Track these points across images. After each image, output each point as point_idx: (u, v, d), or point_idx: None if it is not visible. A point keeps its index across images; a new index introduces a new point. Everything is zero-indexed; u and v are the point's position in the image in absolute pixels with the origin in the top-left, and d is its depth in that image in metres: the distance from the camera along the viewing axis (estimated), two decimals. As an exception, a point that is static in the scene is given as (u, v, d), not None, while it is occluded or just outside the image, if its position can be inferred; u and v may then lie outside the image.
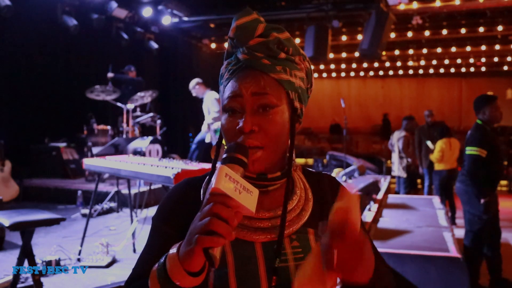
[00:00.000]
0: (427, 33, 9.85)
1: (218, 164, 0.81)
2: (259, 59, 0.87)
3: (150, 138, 6.44)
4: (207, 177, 0.96)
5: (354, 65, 15.06)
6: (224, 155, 0.80)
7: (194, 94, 7.00)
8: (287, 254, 0.88)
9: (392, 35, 9.26)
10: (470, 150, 3.80)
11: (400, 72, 16.37)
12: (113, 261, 3.77)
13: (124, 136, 6.81)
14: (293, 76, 0.90)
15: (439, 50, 11.92)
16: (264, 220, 0.90)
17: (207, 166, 3.02)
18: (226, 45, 0.98)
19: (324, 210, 0.97)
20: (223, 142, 0.95)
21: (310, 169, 1.06)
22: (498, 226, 3.90)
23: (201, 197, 0.94)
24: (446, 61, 14.12)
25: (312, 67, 1.00)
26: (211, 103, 6.74)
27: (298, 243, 0.90)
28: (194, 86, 6.90)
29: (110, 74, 7.22)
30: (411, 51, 12.12)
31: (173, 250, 0.74)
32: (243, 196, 0.71)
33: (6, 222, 2.75)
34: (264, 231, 0.89)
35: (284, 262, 0.87)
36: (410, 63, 14.37)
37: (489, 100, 3.81)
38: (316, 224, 0.93)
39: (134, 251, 4.04)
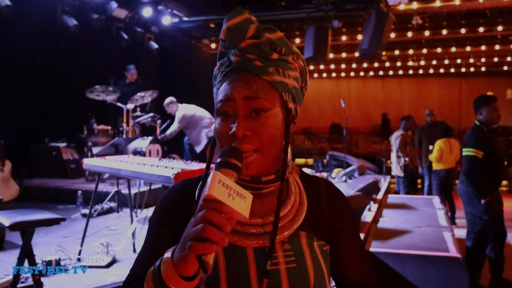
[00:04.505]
0: (427, 33, 9.85)
1: (212, 166, 0.81)
2: (251, 61, 0.86)
3: (150, 138, 6.45)
4: (202, 179, 0.95)
5: (354, 65, 15.05)
6: (218, 160, 0.79)
7: (168, 112, 7.21)
8: (278, 258, 0.88)
9: (392, 35, 9.26)
10: (466, 151, 3.80)
11: (400, 72, 16.36)
12: (113, 261, 3.77)
13: (124, 136, 6.81)
14: (286, 77, 0.89)
15: (439, 50, 11.92)
16: (257, 226, 0.90)
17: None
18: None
19: (317, 213, 0.96)
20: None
21: (308, 173, 1.05)
22: (502, 227, 3.87)
23: (196, 199, 0.94)
24: (446, 61, 14.12)
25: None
26: (177, 116, 6.97)
27: (290, 246, 0.90)
28: (168, 104, 7.11)
29: (110, 89, 7.25)
30: (411, 51, 12.11)
31: (167, 255, 0.74)
32: (237, 202, 0.70)
33: (6, 222, 2.75)
34: (257, 236, 0.89)
35: (275, 265, 0.87)
36: (410, 63, 14.36)
37: (486, 101, 3.80)
38: (309, 227, 0.93)
39: (134, 251, 4.04)
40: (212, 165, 0.84)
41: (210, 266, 0.68)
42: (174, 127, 6.94)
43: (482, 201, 3.71)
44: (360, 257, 1.01)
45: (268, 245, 0.86)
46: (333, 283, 1.02)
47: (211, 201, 0.69)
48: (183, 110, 6.96)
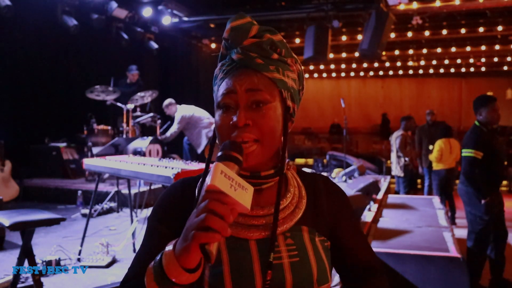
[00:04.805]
0: (427, 33, 9.85)
1: (211, 165, 0.82)
2: (252, 59, 0.89)
3: (150, 138, 6.44)
4: (202, 176, 0.97)
5: (354, 65, 15.04)
6: (219, 153, 0.80)
7: (167, 113, 7.17)
8: (281, 251, 0.89)
9: (392, 35, 9.25)
10: (465, 152, 3.80)
11: (400, 72, 16.35)
12: (113, 261, 3.77)
13: (124, 136, 6.81)
14: (285, 76, 0.92)
15: (439, 50, 11.91)
16: (258, 217, 0.92)
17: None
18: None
19: (317, 208, 0.98)
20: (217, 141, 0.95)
21: (304, 170, 1.08)
22: (503, 227, 3.87)
23: (196, 197, 0.94)
24: (446, 61, 14.11)
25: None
26: (176, 117, 6.93)
27: (292, 241, 0.91)
28: (167, 106, 7.07)
29: (110, 89, 7.26)
30: (411, 51, 12.11)
31: (169, 247, 0.74)
32: (239, 193, 0.71)
33: (6, 222, 2.75)
34: (258, 228, 0.91)
35: (278, 259, 0.88)
36: (410, 63, 14.36)
37: (486, 101, 3.79)
38: (310, 223, 0.95)
39: (134, 251, 4.04)
40: (211, 165, 0.85)
41: (213, 255, 0.68)
42: (173, 128, 6.93)
43: (483, 201, 3.71)
44: (363, 246, 1.04)
45: (270, 237, 0.88)
46: (333, 283, 1.03)
47: (213, 192, 0.70)
48: (182, 111, 6.95)
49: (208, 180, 0.70)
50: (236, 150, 0.81)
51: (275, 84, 0.90)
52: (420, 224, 3.77)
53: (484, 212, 3.72)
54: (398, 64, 14.71)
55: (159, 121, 7.20)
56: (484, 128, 3.77)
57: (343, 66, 15.18)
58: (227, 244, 0.88)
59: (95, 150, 6.53)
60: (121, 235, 4.53)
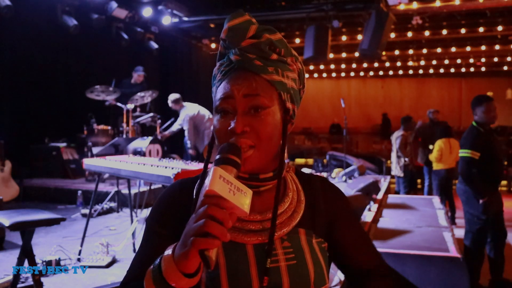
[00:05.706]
0: (427, 33, 9.86)
1: (211, 165, 0.81)
2: (251, 60, 0.87)
3: (150, 138, 6.44)
4: (200, 178, 0.96)
5: (354, 65, 15.04)
6: (217, 156, 0.79)
7: (173, 108, 7.22)
8: (278, 255, 0.88)
9: (392, 35, 9.26)
10: (462, 153, 3.80)
11: (400, 72, 16.35)
12: (113, 261, 3.77)
13: (124, 136, 6.81)
14: (285, 77, 0.90)
15: (439, 50, 11.91)
16: (256, 222, 0.91)
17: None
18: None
19: (315, 212, 0.97)
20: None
21: (303, 171, 1.07)
22: (502, 227, 3.87)
23: (194, 199, 0.94)
24: (446, 61, 14.11)
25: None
26: (181, 117, 6.98)
27: (289, 244, 0.90)
28: (174, 101, 7.09)
29: (110, 89, 7.26)
30: (411, 51, 12.11)
31: (168, 252, 0.74)
32: (237, 197, 0.71)
33: (6, 222, 2.75)
34: (256, 233, 0.90)
35: (275, 262, 0.87)
36: (410, 63, 14.36)
37: (481, 101, 3.79)
38: (307, 225, 0.94)
39: (134, 251, 4.03)
40: (210, 165, 0.85)
41: (213, 261, 0.68)
42: (177, 126, 6.94)
43: (481, 201, 3.71)
44: (364, 244, 1.02)
45: (267, 241, 0.87)
46: (333, 283, 1.03)
47: (212, 197, 0.69)
48: (187, 110, 6.96)
49: (206, 184, 0.70)
50: (234, 153, 0.80)
51: (274, 87, 0.88)
52: (420, 224, 3.77)
53: (482, 211, 3.72)
54: (398, 64, 14.71)
55: (159, 121, 7.20)
56: (481, 128, 3.77)
57: (343, 66, 15.17)
58: (224, 248, 0.87)
59: (95, 150, 6.53)
60: (121, 235, 4.53)
